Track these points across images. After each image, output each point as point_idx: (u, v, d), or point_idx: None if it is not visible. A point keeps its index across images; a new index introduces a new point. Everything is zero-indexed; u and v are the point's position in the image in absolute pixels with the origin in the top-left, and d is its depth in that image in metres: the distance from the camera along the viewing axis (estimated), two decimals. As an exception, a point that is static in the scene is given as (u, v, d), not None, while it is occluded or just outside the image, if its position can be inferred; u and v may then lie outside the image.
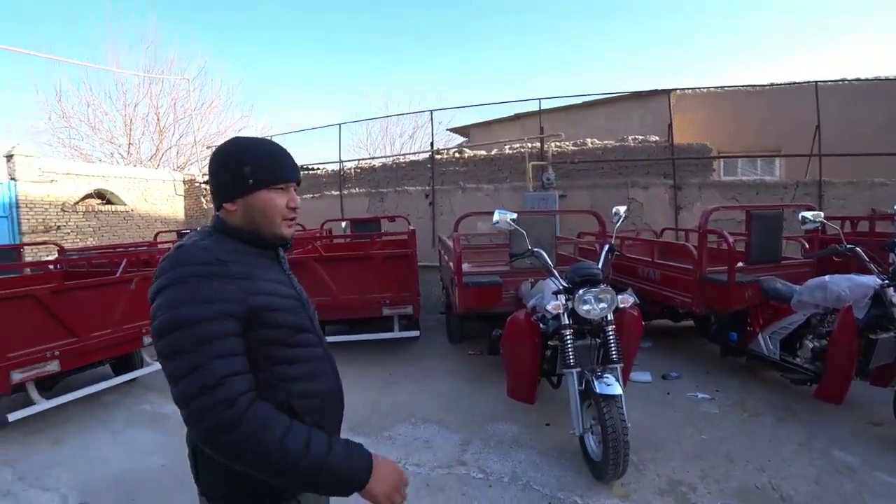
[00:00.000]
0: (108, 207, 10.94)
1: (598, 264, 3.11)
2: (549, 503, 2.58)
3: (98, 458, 3.31)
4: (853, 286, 3.25)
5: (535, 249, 3.16)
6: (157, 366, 4.43)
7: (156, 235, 8.71)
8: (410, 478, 2.88)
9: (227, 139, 1.14)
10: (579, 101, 10.23)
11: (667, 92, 8.65)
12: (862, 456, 2.90)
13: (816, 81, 7.55)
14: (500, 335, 3.49)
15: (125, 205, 11.23)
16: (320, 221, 8.08)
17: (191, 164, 17.10)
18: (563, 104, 10.04)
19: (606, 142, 8.34)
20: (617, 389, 2.62)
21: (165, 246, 7.29)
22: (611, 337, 2.85)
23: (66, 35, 28.69)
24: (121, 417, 3.98)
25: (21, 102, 27.54)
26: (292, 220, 1.12)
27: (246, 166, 1.05)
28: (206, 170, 14.31)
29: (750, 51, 35.06)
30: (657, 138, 8.21)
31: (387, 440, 3.37)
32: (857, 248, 3.36)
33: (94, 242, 10.13)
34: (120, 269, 4.42)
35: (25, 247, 7.15)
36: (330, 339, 4.99)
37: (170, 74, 17.83)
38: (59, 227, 9.81)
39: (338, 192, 10.29)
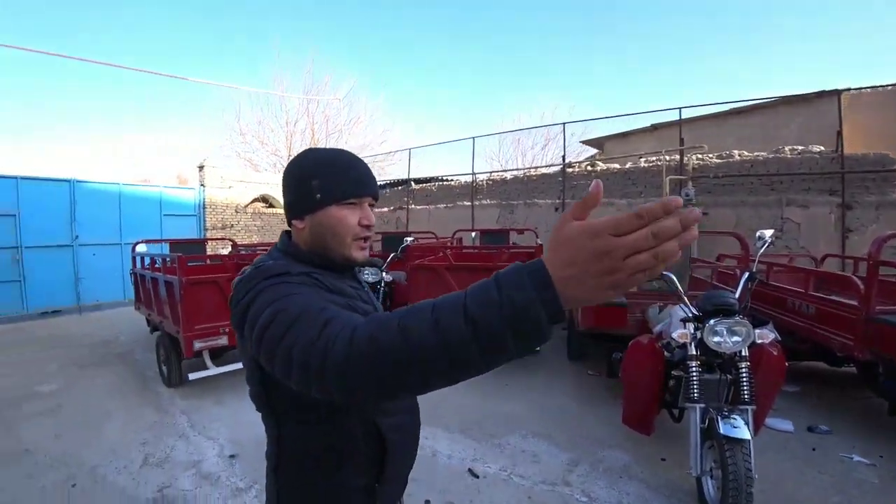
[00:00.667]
0: (269, 210, 12.78)
1: (735, 293, 2.87)
2: (656, 542, 2.45)
3: (248, 420, 3.90)
4: None
5: (665, 273, 3.01)
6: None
7: (307, 236, 9.90)
8: (513, 489, 2.98)
9: (301, 152, 1.04)
10: (726, 108, 9.17)
11: (835, 93, 7.37)
12: None
13: None
14: (620, 358, 3.38)
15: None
16: (452, 230, 8.47)
17: (339, 172, 19.10)
18: (707, 112, 9.13)
19: (757, 153, 7.42)
20: (744, 433, 2.39)
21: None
22: (744, 375, 2.61)
23: (245, 67, 34.49)
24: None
25: (209, 124, 33.41)
26: (365, 239, 1.00)
27: (314, 180, 0.95)
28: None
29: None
30: (821, 148, 7.09)
31: (495, 447, 3.46)
32: None
33: (257, 239, 11.91)
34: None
35: (208, 241, 8.58)
36: None
37: (324, 95, 20.05)
38: (232, 225, 11.74)
39: (469, 203, 10.67)
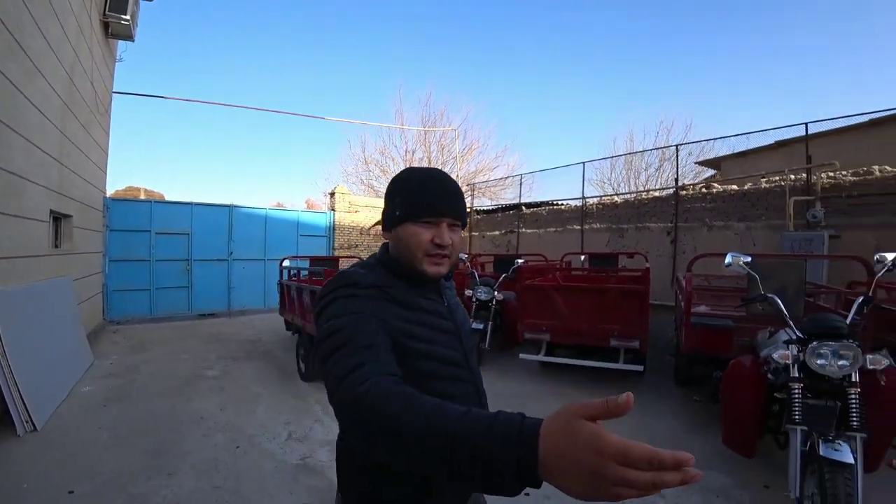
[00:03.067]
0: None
1: (847, 317, 2.78)
2: (750, 559, 2.45)
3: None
4: None
5: (769, 295, 3.00)
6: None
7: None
8: None
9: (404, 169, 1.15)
10: (864, 119, 8.01)
11: None
12: None
13: None
14: (720, 378, 3.39)
15: (401, 231, 14.37)
16: (561, 253, 8.65)
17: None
18: (840, 126, 8.08)
19: (905, 170, 6.57)
20: (847, 458, 2.31)
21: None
22: (852, 401, 2.51)
23: (371, 105, 38.55)
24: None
25: (337, 155, 37.58)
26: (437, 256, 1.03)
27: (398, 197, 1.04)
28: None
29: None
30: None
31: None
32: None
33: (376, 259, 13.38)
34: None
35: (340, 259, 9.64)
36: (557, 360, 5.52)
37: (440, 124, 21.38)
38: (356, 245, 13.11)
39: (579, 227, 10.76)
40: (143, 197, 14.57)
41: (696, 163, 13.31)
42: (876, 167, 6.72)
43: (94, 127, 7.70)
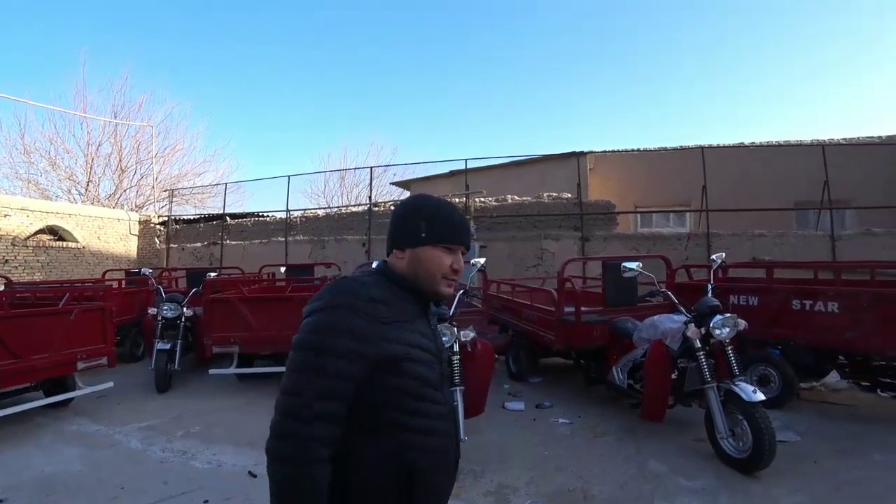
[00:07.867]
0: (59, 244, 11.24)
1: (451, 308, 3.82)
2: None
3: (22, 465, 3.70)
4: (672, 324, 3.87)
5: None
6: (89, 389, 4.88)
7: (103, 274, 9.06)
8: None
9: (416, 195, 1.26)
10: (508, 160, 11.19)
11: (576, 155, 9.85)
12: (672, 465, 3.43)
13: (702, 146, 8.77)
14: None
15: (77, 242, 11.56)
16: (262, 265, 8.69)
17: (149, 204, 17.56)
18: (495, 163, 11.07)
19: (524, 198, 9.30)
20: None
21: (112, 283, 7.78)
22: (455, 364, 3.54)
23: (37, 78, 29.65)
24: (49, 435, 4.33)
25: None
26: (451, 280, 1.14)
27: (423, 220, 1.12)
28: (162, 211, 14.77)
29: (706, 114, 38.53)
30: (569, 195, 9.20)
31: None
32: (669, 292, 4.00)
33: (41, 277, 10.41)
34: (62, 302, 4.86)
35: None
36: (249, 370, 5.54)
37: (136, 119, 18.47)
38: (6, 260, 10.10)
39: (283, 239, 11.02)
40: None
41: (391, 183, 15.33)
42: (510, 196, 9.24)
43: None
